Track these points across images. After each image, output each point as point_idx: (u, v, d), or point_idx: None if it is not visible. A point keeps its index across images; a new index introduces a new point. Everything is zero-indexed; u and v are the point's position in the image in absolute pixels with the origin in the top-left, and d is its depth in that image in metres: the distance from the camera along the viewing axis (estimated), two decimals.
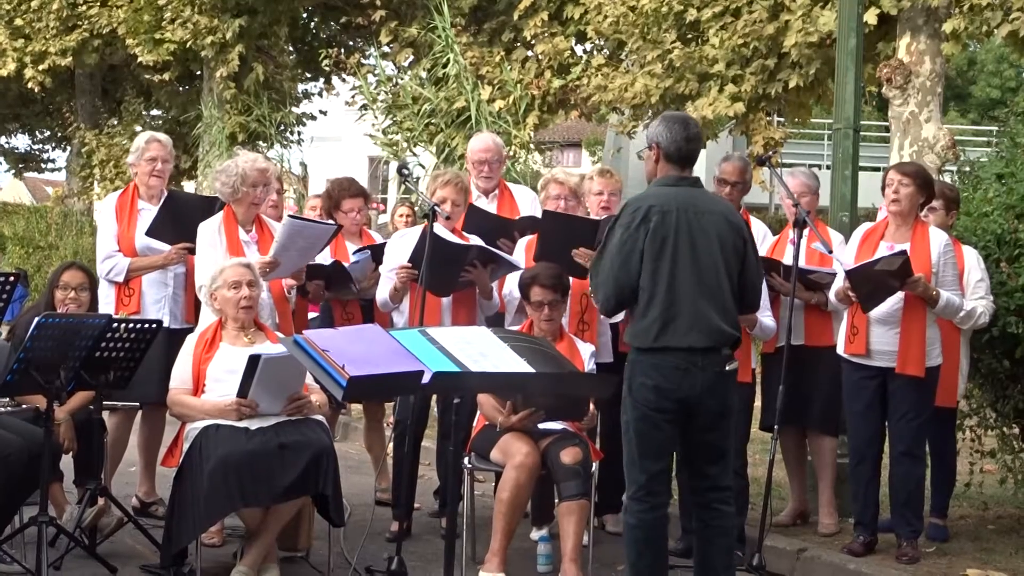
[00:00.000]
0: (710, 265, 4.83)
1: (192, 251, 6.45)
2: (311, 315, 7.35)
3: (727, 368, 4.87)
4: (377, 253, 6.78)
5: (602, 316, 6.44)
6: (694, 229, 4.81)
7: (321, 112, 19.60)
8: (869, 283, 5.92)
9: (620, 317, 6.47)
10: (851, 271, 5.98)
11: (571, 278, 6.27)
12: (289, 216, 6.40)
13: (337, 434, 8.05)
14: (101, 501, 5.83)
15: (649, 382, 4.81)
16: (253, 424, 5.48)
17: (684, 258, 4.79)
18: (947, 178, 8.96)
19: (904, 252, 5.85)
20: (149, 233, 6.57)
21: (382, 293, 6.51)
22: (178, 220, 6.55)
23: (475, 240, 6.48)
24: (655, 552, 4.91)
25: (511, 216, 6.95)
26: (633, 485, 4.91)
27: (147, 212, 6.69)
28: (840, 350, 6.23)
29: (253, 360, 5.42)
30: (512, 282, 6.38)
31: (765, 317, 6.10)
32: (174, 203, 6.68)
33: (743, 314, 5.16)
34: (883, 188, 6.16)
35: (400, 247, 6.52)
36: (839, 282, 6.13)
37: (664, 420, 4.82)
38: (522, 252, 6.49)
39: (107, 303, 6.62)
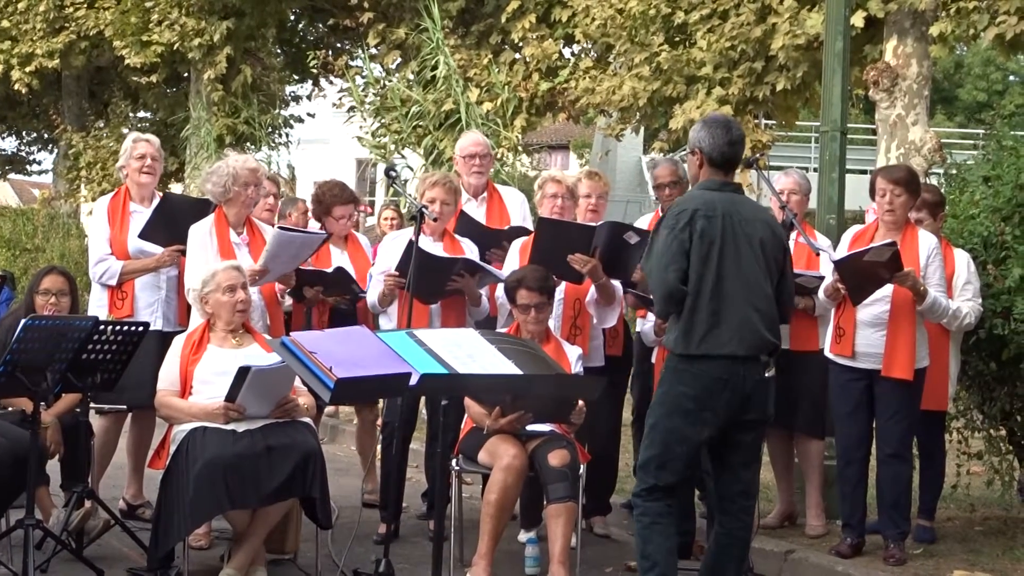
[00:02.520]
0: (754, 272, 4.80)
1: (185, 253, 6.43)
2: None
3: (766, 375, 4.84)
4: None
5: (594, 321, 6.46)
6: (739, 235, 4.78)
7: (309, 115, 19.57)
8: (858, 274, 5.92)
9: (613, 322, 6.52)
10: (840, 261, 5.98)
11: (565, 283, 6.30)
12: (279, 228, 6.40)
13: (324, 436, 8.03)
14: (88, 504, 5.81)
15: (690, 392, 4.76)
16: (240, 426, 5.47)
17: (730, 264, 4.76)
18: (933, 181, 8.96)
19: (894, 243, 5.85)
20: (142, 236, 6.55)
21: (372, 296, 6.57)
22: (171, 222, 6.52)
23: (466, 243, 6.50)
24: (662, 533, 4.81)
25: (501, 220, 6.96)
26: (642, 485, 4.88)
27: (139, 215, 6.66)
28: (827, 351, 6.24)
29: (242, 372, 5.41)
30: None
31: None
32: (168, 205, 6.65)
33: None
34: (871, 191, 6.16)
35: (392, 249, 6.54)
36: (828, 277, 6.14)
37: (697, 434, 4.77)
38: (516, 254, 6.50)
39: (99, 306, 6.61)
